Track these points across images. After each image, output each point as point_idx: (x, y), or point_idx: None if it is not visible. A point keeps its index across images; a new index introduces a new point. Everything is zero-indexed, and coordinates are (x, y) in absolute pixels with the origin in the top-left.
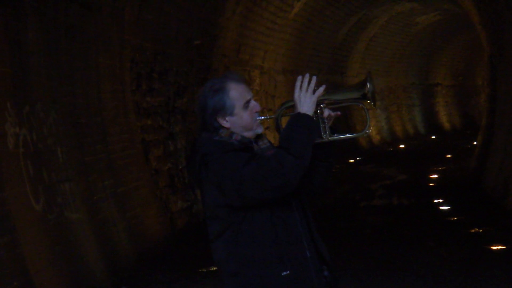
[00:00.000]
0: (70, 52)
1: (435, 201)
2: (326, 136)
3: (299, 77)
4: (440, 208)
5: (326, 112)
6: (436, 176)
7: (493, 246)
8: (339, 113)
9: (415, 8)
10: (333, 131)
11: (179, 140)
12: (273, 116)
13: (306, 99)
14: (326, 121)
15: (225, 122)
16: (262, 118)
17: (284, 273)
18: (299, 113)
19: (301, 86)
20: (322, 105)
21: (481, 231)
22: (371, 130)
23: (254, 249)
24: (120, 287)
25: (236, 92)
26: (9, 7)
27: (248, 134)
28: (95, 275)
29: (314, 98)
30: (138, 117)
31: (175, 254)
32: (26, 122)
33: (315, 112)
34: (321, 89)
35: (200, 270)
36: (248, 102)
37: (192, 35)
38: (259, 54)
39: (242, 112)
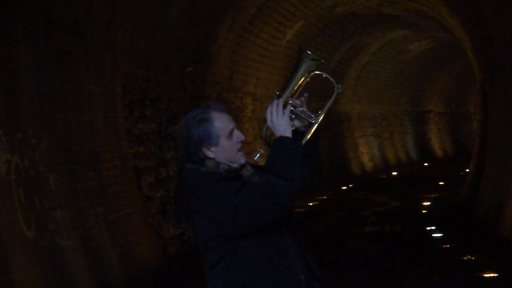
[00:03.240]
0: (62, 79)
1: (428, 228)
2: (314, 119)
3: (269, 106)
4: (433, 235)
5: (298, 102)
6: (428, 203)
7: (485, 274)
8: (306, 94)
9: (407, 35)
10: (314, 111)
11: (171, 167)
12: (262, 148)
13: (279, 122)
14: (302, 108)
15: (210, 153)
16: (258, 155)
17: None
18: (280, 137)
19: (271, 113)
20: (290, 101)
21: (473, 258)
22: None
23: (249, 276)
24: None
25: (220, 122)
26: (1, 35)
27: (233, 165)
28: None
29: (286, 117)
30: (130, 144)
31: (167, 281)
32: (18, 149)
33: (290, 114)
34: (288, 107)
35: None
36: (231, 131)
37: (185, 62)
38: (252, 81)
39: (226, 142)
